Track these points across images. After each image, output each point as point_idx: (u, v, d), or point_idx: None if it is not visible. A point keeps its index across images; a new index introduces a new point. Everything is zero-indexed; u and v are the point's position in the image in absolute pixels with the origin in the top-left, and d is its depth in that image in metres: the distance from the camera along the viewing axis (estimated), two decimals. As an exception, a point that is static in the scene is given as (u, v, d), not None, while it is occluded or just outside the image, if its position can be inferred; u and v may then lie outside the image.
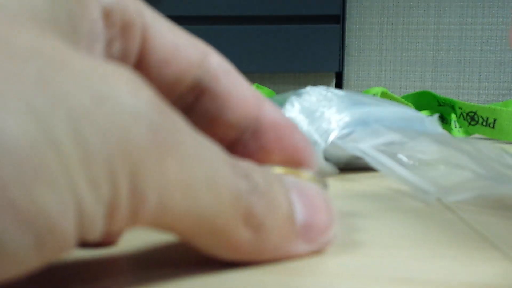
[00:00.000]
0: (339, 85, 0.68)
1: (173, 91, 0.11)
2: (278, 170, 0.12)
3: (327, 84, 0.67)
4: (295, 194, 0.10)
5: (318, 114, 0.21)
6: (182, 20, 0.62)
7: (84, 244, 0.11)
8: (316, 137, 0.21)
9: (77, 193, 0.07)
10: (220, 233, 0.09)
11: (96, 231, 0.07)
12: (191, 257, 0.11)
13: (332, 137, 0.21)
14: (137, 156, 0.07)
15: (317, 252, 0.11)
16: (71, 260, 0.10)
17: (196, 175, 0.08)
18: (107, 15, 0.10)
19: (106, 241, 0.11)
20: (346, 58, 0.68)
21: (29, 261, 0.07)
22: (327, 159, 0.21)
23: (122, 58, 0.10)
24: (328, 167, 0.21)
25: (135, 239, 0.12)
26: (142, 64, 0.11)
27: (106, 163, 0.07)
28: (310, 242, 0.11)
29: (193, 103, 0.12)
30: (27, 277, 0.09)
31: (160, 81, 0.11)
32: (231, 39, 0.60)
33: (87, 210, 0.07)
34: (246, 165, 0.10)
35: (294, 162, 0.12)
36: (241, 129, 0.12)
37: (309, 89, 0.23)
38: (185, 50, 0.11)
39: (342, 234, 0.13)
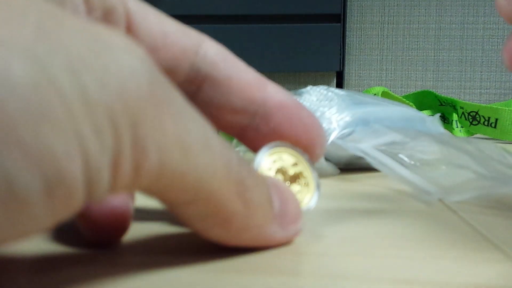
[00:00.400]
0: (339, 85, 0.68)
1: (172, 80, 0.11)
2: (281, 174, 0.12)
3: (328, 83, 0.67)
4: (269, 183, 0.11)
5: (318, 113, 0.21)
6: (181, 19, 0.62)
7: (88, 243, 0.11)
8: (317, 137, 0.21)
9: (82, 138, 0.07)
10: (215, 201, 0.09)
11: (102, 185, 0.07)
12: (178, 259, 0.11)
13: (332, 137, 0.20)
14: (137, 108, 0.07)
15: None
16: (69, 256, 0.10)
17: (192, 135, 0.08)
18: (87, 0, 0.10)
19: (108, 241, 0.11)
20: (346, 57, 0.68)
21: (40, 211, 0.07)
22: (327, 159, 0.21)
23: None
24: (328, 167, 0.21)
25: (135, 240, 0.12)
26: None
27: (107, 112, 0.07)
28: (284, 228, 0.11)
29: (196, 92, 0.12)
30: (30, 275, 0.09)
31: None
32: (230, 38, 0.60)
33: (92, 158, 0.07)
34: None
35: (305, 139, 0.12)
36: (249, 114, 0.12)
37: (309, 88, 0.23)
38: (175, 37, 0.11)
39: (343, 235, 0.12)
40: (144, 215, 0.14)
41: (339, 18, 0.62)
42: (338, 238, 0.12)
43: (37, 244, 0.11)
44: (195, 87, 0.12)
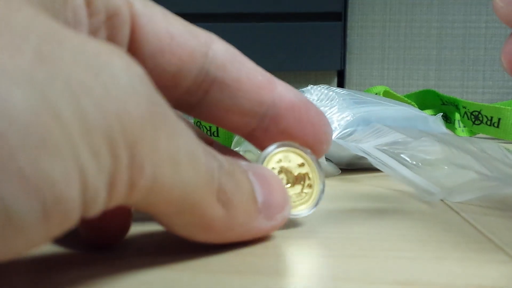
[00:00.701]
0: (340, 84, 0.67)
1: (179, 83, 0.11)
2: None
3: (329, 82, 0.67)
4: (252, 175, 0.11)
5: (319, 113, 0.21)
6: (181, 17, 0.62)
7: (90, 245, 0.11)
8: (318, 136, 0.20)
9: (80, 162, 0.07)
10: (197, 209, 0.09)
11: (98, 204, 0.08)
12: (178, 260, 0.11)
13: (333, 137, 0.20)
14: (135, 129, 0.08)
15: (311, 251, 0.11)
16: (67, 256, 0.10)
17: (181, 150, 0.09)
18: (89, 2, 0.10)
19: (108, 243, 0.11)
20: (348, 56, 0.68)
21: (36, 233, 0.07)
22: (328, 159, 0.21)
23: None
24: (329, 167, 0.21)
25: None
26: (134, 55, 0.11)
27: (105, 133, 0.07)
28: (270, 219, 0.11)
29: (204, 95, 0.12)
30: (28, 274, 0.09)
31: (160, 73, 0.11)
32: (231, 37, 0.60)
33: (91, 180, 0.07)
34: (210, 148, 0.10)
35: (313, 138, 0.12)
36: (258, 116, 0.12)
37: (310, 87, 0.23)
38: (182, 38, 0.11)
39: (344, 236, 0.12)
40: (143, 215, 0.14)
41: (340, 16, 0.62)
42: (339, 238, 0.12)
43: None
44: (203, 91, 0.12)
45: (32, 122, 0.06)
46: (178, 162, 0.09)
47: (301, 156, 0.12)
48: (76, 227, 0.11)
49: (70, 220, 0.07)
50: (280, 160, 0.12)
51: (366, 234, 0.13)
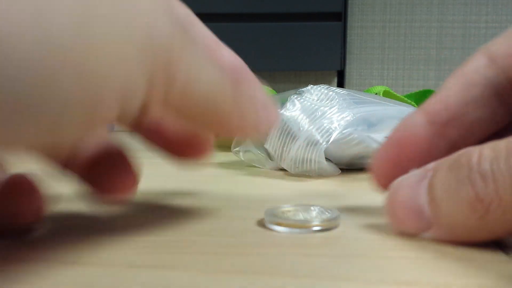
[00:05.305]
0: (340, 84, 0.67)
1: None
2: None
3: (329, 82, 0.67)
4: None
5: (319, 113, 0.21)
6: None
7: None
8: (318, 136, 0.20)
9: (126, 61, 0.09)
10: (218, 110, 0.11)
11: (136, 102, 0.09)
12: (178, 260, 0.10)
13: (333, 137, 0.20)
14: (169, 43, 0.09)
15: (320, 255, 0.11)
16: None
17: (205, 57, 0.10)
18: None
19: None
20: (348, 56, 0.68)
21: (82, 123, 0.08)
22: (328, 159, 0.21)
23: None
24: (329, 167, 0.21)
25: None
26: None
27: (146, 42, 0.09)
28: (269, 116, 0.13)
29: None
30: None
31: None
32: (231, 37, 0.60)
33: (132, 77, 0.09)
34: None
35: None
36: None
37: (310, 87, 0.23)
38: None
39: (344, 236, 0.12)
40: (147, 214, 0.14)
41: (340, 16, 0.62)
42: (339, 238, 0.12)
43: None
44: None
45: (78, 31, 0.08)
46: (204, 69, 0.10)
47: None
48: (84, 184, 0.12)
49: (110, 115, 0.09)
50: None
51: (365, 234, 0.13)
